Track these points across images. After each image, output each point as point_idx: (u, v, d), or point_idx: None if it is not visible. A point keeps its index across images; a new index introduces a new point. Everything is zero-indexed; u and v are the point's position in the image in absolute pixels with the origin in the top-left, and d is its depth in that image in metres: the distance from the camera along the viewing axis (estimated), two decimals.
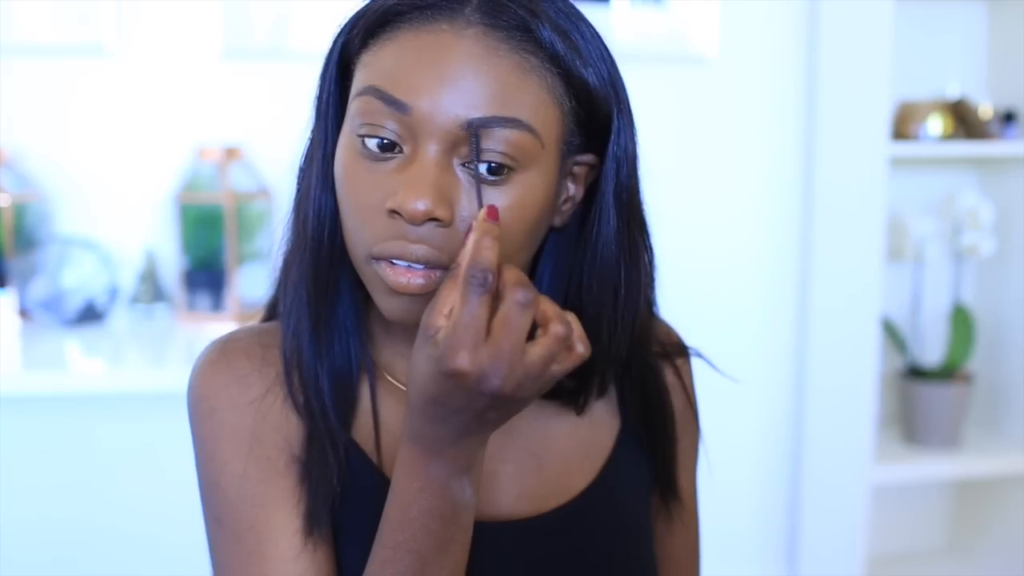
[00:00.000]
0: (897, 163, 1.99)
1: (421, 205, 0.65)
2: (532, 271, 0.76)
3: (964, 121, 2.06)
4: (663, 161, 2.27)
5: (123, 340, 1.82)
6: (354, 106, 0.69)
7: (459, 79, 0.65)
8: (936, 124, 2.04)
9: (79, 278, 1.82)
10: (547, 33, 0.68)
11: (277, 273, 0.80)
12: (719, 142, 2.16)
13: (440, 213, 0.66)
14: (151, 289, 1.90)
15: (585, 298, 0.76)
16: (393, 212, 0.66)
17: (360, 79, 0.69)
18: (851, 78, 2.02)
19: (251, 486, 0.73)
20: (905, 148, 1.99)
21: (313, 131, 0.76)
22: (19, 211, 1.85)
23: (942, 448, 2.09)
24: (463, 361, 0.59)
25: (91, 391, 1.64)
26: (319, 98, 0.74)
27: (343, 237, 0.72)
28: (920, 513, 2.35)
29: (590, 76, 0.70)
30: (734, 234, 2.19)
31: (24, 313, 1.83)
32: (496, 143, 0.66)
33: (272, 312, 0.83)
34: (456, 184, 0.67)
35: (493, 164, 0.66)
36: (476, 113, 0.65)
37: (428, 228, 0.66)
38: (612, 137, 0.73)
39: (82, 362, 1.65)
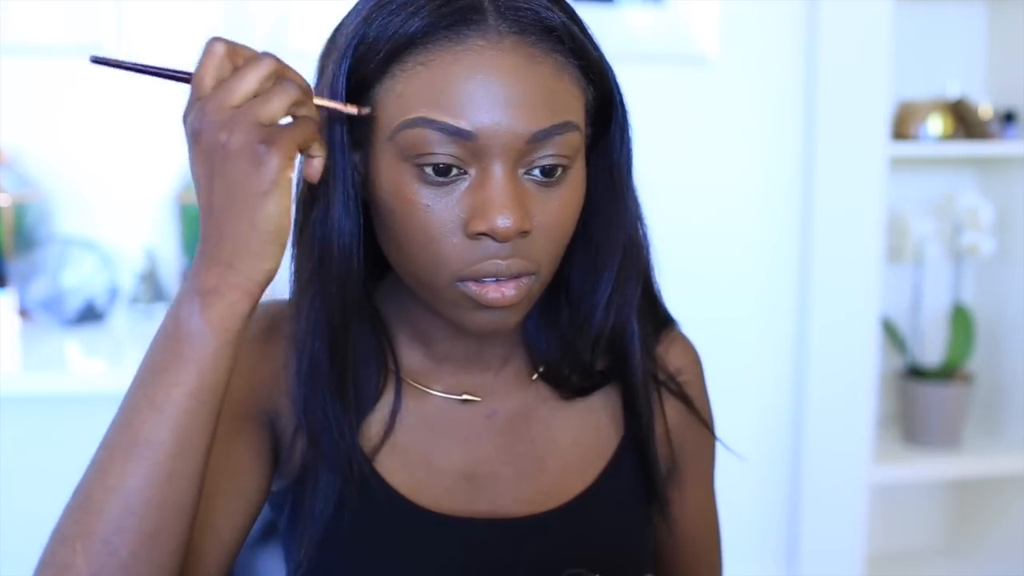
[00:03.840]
0: (897, 163, 1.99)
1: (511, 222, 0.66)
2: None
3: (964, 121, 2.06)
4: (663, 161, 2.29)
5: (123, 340, 1.82)
6: (404, 138, 0.67)
7: (514, 95, 0.66)
8: (936, 124, 2.04)
9: (79, 278, 1.82)
10: (559, 20, 0.68)
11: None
12: (719, 142, 2.16)
13: (527, 225, 0.67)
14: (151, 289, 1.90)
15: (590, 255, 0.78)
16: (480, 234, 0.67)
17: (397, 109, 0.67)
18: (851, 78, 2.02)
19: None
20: (905, 148, 1.99)
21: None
22: (19, 211, 1.85)
23: (942, 448, 2.09)
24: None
25: (91, 391, 1.64)
26: (328, 127, 0.72)
27: (367, 262, 0.73)
28: (920, 513, 2.35)
29: (596, 53, 0.72)
30: (734, 234, 2.19)
31: (24, 313, 1.83)
32: (552, 148, 0.68)
33: None
34: (526, 193, 0.68)
35: (548, 167, 0.68)
36: (535, 125, 0.66)
37: (514, 241, 0.67)
38: (617, 106, 0.75)
39: (82, 362, 1.65)
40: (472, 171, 0.67)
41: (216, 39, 0.60)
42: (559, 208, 0.69)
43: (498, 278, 0.68)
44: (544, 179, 0.68)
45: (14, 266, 1.82)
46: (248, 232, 0.59)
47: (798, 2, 2.14)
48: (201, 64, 0.60)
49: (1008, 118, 2.08)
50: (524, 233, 0.67)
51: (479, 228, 0.66)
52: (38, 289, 1.81)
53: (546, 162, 0.68)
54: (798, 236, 2.21)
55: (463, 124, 0.65)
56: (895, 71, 1.93)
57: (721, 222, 2.18)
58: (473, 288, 0.68)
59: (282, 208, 0.59)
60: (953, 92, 2.09)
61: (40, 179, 1.89)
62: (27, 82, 1.88)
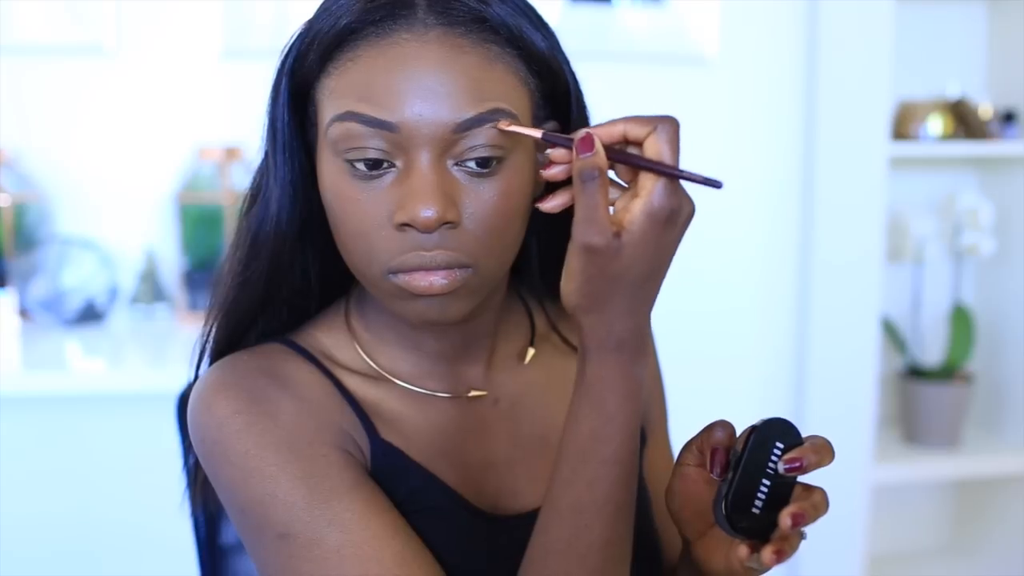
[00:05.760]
0: (897, 163, 1.99)
1: (432, 212, 0.66)
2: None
3: (964, 121, 2.06)
4: None
5: (123, 340, 1.82)
6: (334, 132, 0.69)
7: (436, 86, 0.66)
8: (936, 124, 2.04)
9: (79, 278, 1.82)
10: (496, 11, 0.69)
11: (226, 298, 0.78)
12: (719, 142, 2.16)
13: (451, 216, 0.67)
14: (151, 289, 1.90)
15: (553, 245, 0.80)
16: (404, 225, 0.67)
17: (330, 105, 0.69)
18: (851, 78, 2.02)
19: (318, 483, 0.70)
20: (905, 148, 1.99)
21: (266, 160, 0.76)
22: (19, 211, 1.85)
23: (942, 448, 2.09)
24: (586, 240, 0.63)
25: (91, 391, 1.64)
26: (273, 127, 0.75)
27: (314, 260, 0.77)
28: (920, 513, 2.35)
29: (543, 45, 0.72)
30: (734, 234, 2.19)
31: (24, 313, 1.83)
32: (483, 138, 0.68)
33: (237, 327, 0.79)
34: (455, 184, 0.68)
35: (482, 158, 0.68)
36: (459, 115, 0.67)
37: (440, 232, 0.68)
38: (573, 98, 0.76)
39: (82, 362, 1.65)
40: (399, 163, 0.68)
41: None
42: (494, 199, 0.69)
43: (424, 268, 0.68)
44: (478, 170, 0.68)
45: (14, 266, 1.82)
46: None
47: (798, 2, 2.14)
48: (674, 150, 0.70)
49: (1008, 118, 2.08)
50: (450, 224, 0.68)
51: (401, 219, 0.67)
52: (38, 289, 1.81)
53: (479, 153, 0.68)
54: (798, 236, 2.21)
55: (386, 116, 0.66)
56: (895, 71, 1.93)
57: (721, 222, 2.18)
58: (403, 278, 0.69)
59: None
60: (953, 92, 2.09)
61: (40, 179, 1.89)
62: (27, 82, 1.88)
